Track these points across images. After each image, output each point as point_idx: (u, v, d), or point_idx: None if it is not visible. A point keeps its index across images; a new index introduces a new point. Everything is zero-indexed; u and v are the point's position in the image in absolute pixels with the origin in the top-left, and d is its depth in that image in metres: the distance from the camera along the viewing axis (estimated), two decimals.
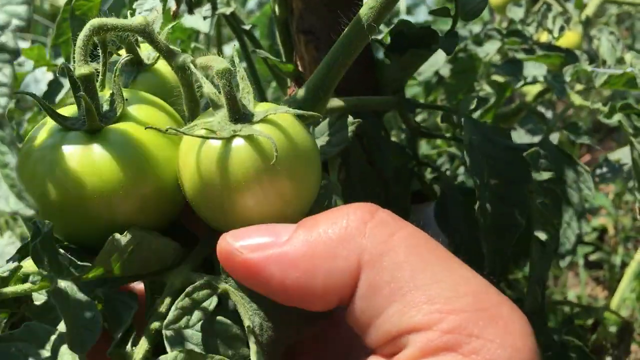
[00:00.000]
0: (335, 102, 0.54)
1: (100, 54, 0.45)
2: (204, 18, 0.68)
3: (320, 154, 0.42)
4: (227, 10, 0.67)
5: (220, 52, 0.76)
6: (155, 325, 0.38)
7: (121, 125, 0.41)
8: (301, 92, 0.47)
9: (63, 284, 0.36)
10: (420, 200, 0.83)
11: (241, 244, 0.36)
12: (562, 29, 0.93)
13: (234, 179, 0.38)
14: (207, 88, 0.41)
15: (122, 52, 0.51)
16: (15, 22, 0.28)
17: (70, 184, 0.38)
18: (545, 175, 0.68)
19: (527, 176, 0.60)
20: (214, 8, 0.67)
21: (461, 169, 0.91)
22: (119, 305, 0.40)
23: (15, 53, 0.28)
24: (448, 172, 0.91)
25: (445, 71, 0.98)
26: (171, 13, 0.69)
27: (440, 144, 0.97)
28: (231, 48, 0.60)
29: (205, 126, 0.39)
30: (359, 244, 0.33)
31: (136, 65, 0.50)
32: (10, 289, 0.36)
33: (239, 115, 0.39)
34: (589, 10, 1.12)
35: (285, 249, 0.35)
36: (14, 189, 0.27)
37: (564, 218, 0.77)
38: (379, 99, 0.60)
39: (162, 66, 0.50)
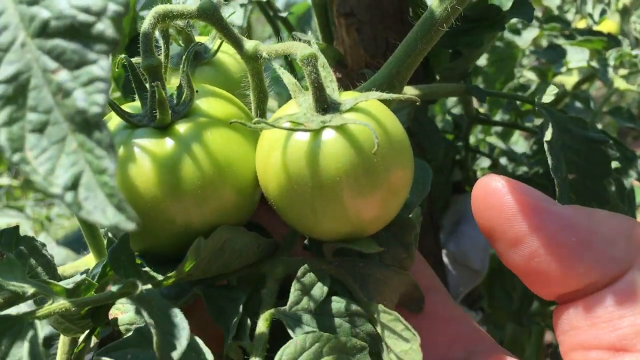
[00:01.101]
0: (410, 90, 0.52)
1: (162, 45, 0.42)
2: (241, 6, 0.67)
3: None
4: None
5: None
6: (269, 312, 0.37)
7: (192, 120, 0.37)
8: (375, 80, 0.43)
9: (144, 290, 0.33)
10: (461, 191, 0.81)
11: (521, 190, 0.35)
12: (603, 12, 0.90)
13: (326, 175, 0.34)
14: (287, 78, 0.38)
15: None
16: (113, 7, 0.25)
17: (144, 184, 0.35)
18: (614, 165, 0.64)
19: (607, 170, 0.55)
20: None
21: (503, 160, 0.89)
22: (221, 301, 0.39)
23: (114, 43, 0.24)
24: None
25: (482, 60, 0.96)
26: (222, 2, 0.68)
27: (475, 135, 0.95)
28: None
29: (290, 119, 0.35)
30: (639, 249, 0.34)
31: (193, 58, 0.46)
32: (91, 298, 0.34)
33: (327, 104, 0.36)
34: None
35: (567, 212, 0.34)
36: (112, 199, 0.24)
37: None
38: (450, 86, 0.57)
39: (222, 57, 0.47)
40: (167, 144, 0.36)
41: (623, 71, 0.85)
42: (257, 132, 0.39)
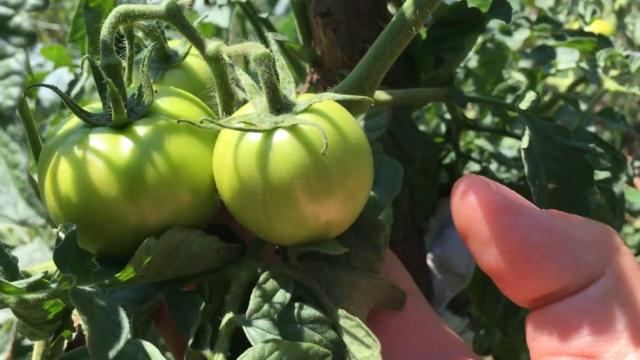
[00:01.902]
0: (381, 95, 0.50)
1: (126, 46, 0.41)
2: (219, 7, 0.66)
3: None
4: None
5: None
6: (229, 319, 0.36)
7: (150, 120, 0.37)
8: (344, 84, 0.42)
9: (88, 289, 0.32)
10: (447, 194, 0.79)
11: (499, 190, 0.35)
12: (594, 12, 0.89)
13: (277, 176, 0.33)
14: (244, 79, 0.37)
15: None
16: (32, 1, 0.25)
17: (97, 184, 0.35)
18: (602, 175, 0.63)
19: (589, 180, 0.54)
20: None
21: (493, 165, 0.88)
22: (183, 306, 0.38)
23: (31, 36, 0.25)
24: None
25: (473, 62, 0.95)
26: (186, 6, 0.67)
27: (470, 136, 0.94)
28: None
29: (243, 119, 0.35)
30: (613, 255, 0.33)
31: (163, 61, 0.46)
32: (30, 296, 0.33)
33: (281, 105, 0.35)
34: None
35: (543, 215, 0.34)
36: (23, 193, 0.24)
37: None
38: (428, 91, 0.55)
39: (192, 61, 0.47)
40: (122, 144, 0.36)
41: (614, 72, 0.84)
42: (217, 134, 0.38)
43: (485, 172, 0.80)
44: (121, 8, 0.38)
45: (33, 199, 0.24)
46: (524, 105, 0.51)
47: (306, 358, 0.34)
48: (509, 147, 0.96)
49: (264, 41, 0.39)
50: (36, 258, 1.42)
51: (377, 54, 0.40)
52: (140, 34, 0.55)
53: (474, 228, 0.34)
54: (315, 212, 0.34)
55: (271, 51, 0.36)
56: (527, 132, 0.49)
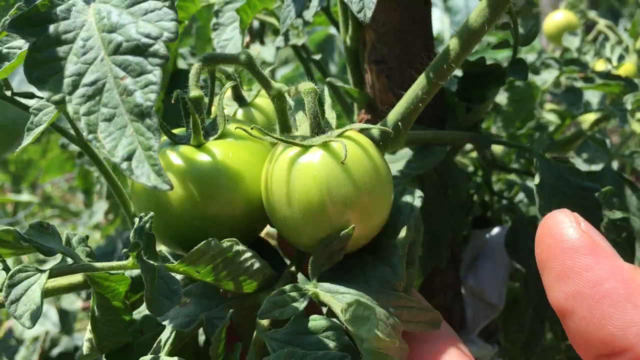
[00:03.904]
0: (414, 134, 0.56)
1: (208, 85, 0.50)
2: (277, 49, 0.72)
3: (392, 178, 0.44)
4: (299, 42, 0.70)
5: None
6: (257, 336, 0.41)
7: (220, 142, 0.45)
8: (383, 122, 0.50)
9: (155, 263, 0.39)
10: (481, 226, 0.83)
11: (588, 230, 0.34)
12: (621, 57, 0.93)
13: (305, 184, 0.40)
14: (298, 113, 0.44)
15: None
16: (167, 34, 0.33)
17: (174, 187, 0.42)
18: (618, 214, 0.68)
19: (598, 216, 0.60)
20: (287, 39, 0.70)
21: (520, 195, 0.92)
22: (216, 322, 0.44)
23: (165, 58, 0.33)
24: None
25: (502, 99, 0.99)
26: (244, 44, 0.73)
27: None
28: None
29: (288, 137, 0.42)
30: None
31: (238, 100, 0.55)
32: (103, 264, 0.40)
33: (319, 130, 0.43)
34: None
35: (625, 265, 0.33)
36: (154, 167, 0.32)
37: None
38: (456, 134, 0.62)
39: (261, 102, 0.55)
40: (197, 157, 0.44)
41: (639, 114, 0.88)
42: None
43: (511, 209, 0.85)
44: (208, 54, 0.45)
45: (161, 172, 0.32)
46: (538, 147, 0.57)
47: None
48: None
49: (313, 80, 0.46)
50: None
51: (410, 99, 0.48)
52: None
53: (552, 260, 0.34)
54: (337, 220, 0.40)
55: (320, 90, 0.43)
56: (538, 171, 0.57)
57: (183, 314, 0.45)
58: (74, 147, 1.08)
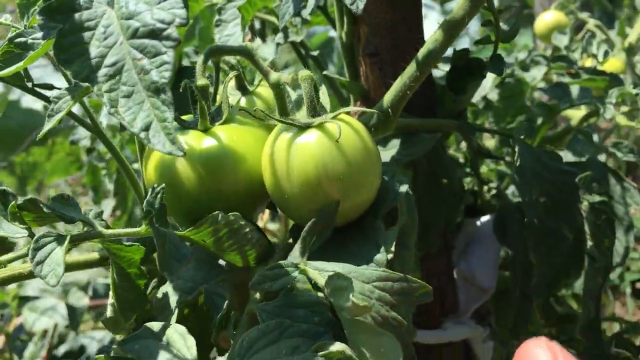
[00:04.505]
0: (403, 121, 0.61)
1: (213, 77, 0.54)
2: (277, 45, 0.76)
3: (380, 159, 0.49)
4: (298, 38, 0.74)
5: None
6: (249, 308, 0.45)
7: (225, 127, 0.50)
8: (375, 108, 0.54)
9: (166, 231, 0.43)
10: (473, 214, 0.87)
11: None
12: (606, 54, 0.97)
13: (301, 160, 0.44)
14: (294, 95, 0.49)
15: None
16: (178, 20, 0.38)
17: (184, 167, 0.47)
18: (597, 198, 0.72)
19: (575, 197, 0.65)
20: (286, 36, 0.75)
21: (512, 187, 0.95)
22: (215, 297, 0.48)
23: (178, 41, 0.38)
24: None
25: (493, 96, 1.03)
26: (245, 40, 0.77)
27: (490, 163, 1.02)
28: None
29: (287, 119, 0.47)
30: None
31: (241, 89, 0.60)
32: (117, 230, 0.44)
33: (315, 113, 0.47)
34: (632, 38, 1.17)
35: None
36: (169, 136, 0.37)
37: None
38: (443, 121, 0.66)
39: (261, 90, 0.60)
40: (203, 139, 0.48)
41: (624, 108, 0.92)
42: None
43: (498, 196, 0.89)
44: (213, 46, 0.49)
45: (175, 140, 0.37)
46: (519, 133, 0.62)
47: (305, 335, 0.41)
48: None
49: None
50: None
51: (399, 87, 0.53)
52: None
53: None
54: (330, 193, 0.45)
55: (316, 78, 0.48)
56: (518, 155, 0.63)
57: (186, 277, 0.49)
58: (84, 144, 1.12)
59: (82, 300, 1.51)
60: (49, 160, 2.25)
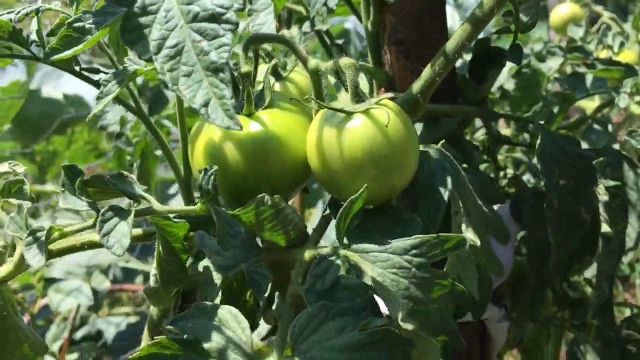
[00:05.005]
0: (430, 107, 0.64)
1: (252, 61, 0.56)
2: (304, 34, 0.79)
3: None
4: (324, 27, 0.77)
5: None
6: (293, 289, 0.48)
7: (269, 111, 0.53)
8: (405, 94, 0.57)
9: (220, 209, 0.47)
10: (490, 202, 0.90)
11: None
12: (621, 44, 1.00)
13: (351, 144, 0.48)
14: (334, 81, 0.52)
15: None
16: (237, 5, 0.41)
17: (231, 151, 0.51)
18: (611, 183, 0.75)
19: (593, 179, 0.68)
20: (313, 25, 0.78)
21: (526, 175, 0.98)
22: (257, 277, 0.51)
23: (236, 24, 0.41)
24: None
25: (510, 85, 1.06)
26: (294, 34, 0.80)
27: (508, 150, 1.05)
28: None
29: (333, 105, 0.50)
30: None
31: (275, 75, 0.62)
32: (175, 207, 0.48)
33: (359, 99, 0.50)
34: None
35: None
36: (227, 112, 0.40)
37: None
38: (467, 108, 0.70)
39: (294, 76, 0.63)
40: (249, 123, 0.51)
41: (638, 97, 0.95)
42: (309, 123, 0.53)
43: (516, 180, 0.92)
44: (255, 34, 0.52)
45: (233, 116, 0.40)
46: (539, 118, 0.65)
47: (346, 313, 0.45)
48: None
49: None
50: (101, 251, 1.54)
51: (429, 74, 0.56)
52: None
53: None
54: (375, 174, 0.48)
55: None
56: (539, 140, 0.66)
57: (227, 255, 0.51)
58: (113, 129, 1.16)
59: (103, 283, 1.56)
60: (68, 148, 2.29)
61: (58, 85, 2.49)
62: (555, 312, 1.00)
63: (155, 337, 0.45)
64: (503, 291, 0.89)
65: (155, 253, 0.55)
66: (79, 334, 1.85)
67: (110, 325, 1.87)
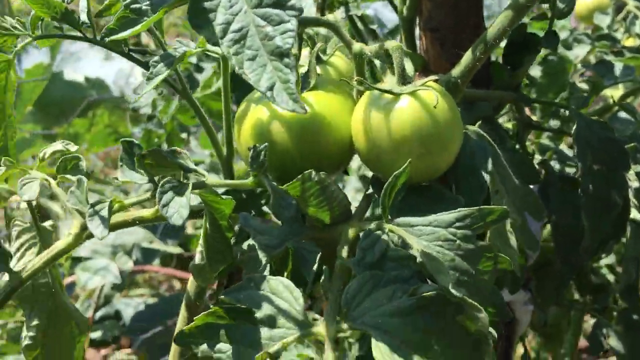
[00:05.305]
0: (467, 91, 0.65)
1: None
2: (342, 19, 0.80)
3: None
4: (358, 12, 0.79)
5: None
6: (341, 263, 0.50)
7: (314, 92, 0.55)
8: (446, 77, 0.59)
9: (273, 183, 0.50)
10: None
11: None
12: None
13: (400, 125, 0.50)
14: (379, 64, 0.53)
15: None
16: None
17: (278, 130, 0.53)
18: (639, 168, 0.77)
19: (625, 164, 0.70)
20: (347, 10, 0.79)
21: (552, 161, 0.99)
22: (305, 253, 0.52)
23: (300, 11, 0.43)
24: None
25: (536, 73, 1.07)
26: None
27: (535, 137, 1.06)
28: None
29: (380, 87, 0.52)
30: None
31: (316, 58, 0.62)
32: (228, 181, 0.51)
33: (405, 81, 0.52)
34: None
35: None
36: (292, 96, 0.42)
37: None
38: (503, 93, 0.72)
39: (334, 60, 0.64)
40: None
41: None
42: (351, 104, 0.55)
43: (544, 166, 0.93)
44: (301, 17, 0.53)
45: (297, 99, 0.42)
46: (574, 103, 0.67)
47: (395, 281, 0.47)
48: (570, 146, 1.08)
49: None
50: (125, 231, 1.57)
51: (469, 59, 0.58)
52: None
53: None
54: (422, 153, 0.50)
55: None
56: (576, 124, 0.68)
57: (269, 234, 0.53)
58: (145, 111, 1.18)
59: (127, 264, 1.59)
60: (89, 131, 2.32)
61: (77, 69, 2.52)
62: (577, 297, 1.01)
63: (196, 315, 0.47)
64: (529, 275, 0.91)
65: (202, 230, 0.57)
66: (97, 315, 1.88)
67: (129, 306, 1.90)
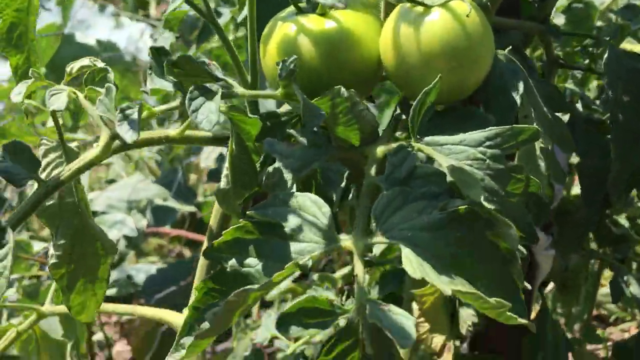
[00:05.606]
0: (496, 19, 0.64)
1: None
2: None
3: None
4: None
5: None
6: (369, 180, 0.49)
7: (340, 10, 0.54)
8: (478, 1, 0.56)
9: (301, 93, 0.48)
10: None
11: None
12: None
13: (429, 36, 0.49)
14: None
15: None
16: None
17: (307, 46, 0.52)
18: None
19: None
20: None
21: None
22: (331, 174, 0.52)
23: None
24: None
25: (560, 20, 1.05)
26: None
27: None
28: None
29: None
30: None
31: None
32: (256, 92, 0.51)
33: None
34: None
35: None
36: None
37: None
38: (532, 24, 0.70)
39: None
40: (324, 21, 0.53)
41: None
42: (378, 22, 0.55)
43: (570, 107, 0.92)
44: None
45: None
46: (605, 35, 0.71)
47: (423, 197, 0.46)
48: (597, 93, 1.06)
49: None
50: (140, 187, 1.58)
51: None
52: None
53: None
54: (452, 67, 0.49)
55: None
56: (607, 54, 0.68)
57: (295, 156, 0.52)
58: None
59: (141, 222, 1.59)
60: None
61: (88, 35, 2.51)
62: (598, 247, 1.01)
63: None
64: (551, 220, 0.90)
65: (227, 152, 0.56)
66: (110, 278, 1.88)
67: (140, 272, 1.90)
